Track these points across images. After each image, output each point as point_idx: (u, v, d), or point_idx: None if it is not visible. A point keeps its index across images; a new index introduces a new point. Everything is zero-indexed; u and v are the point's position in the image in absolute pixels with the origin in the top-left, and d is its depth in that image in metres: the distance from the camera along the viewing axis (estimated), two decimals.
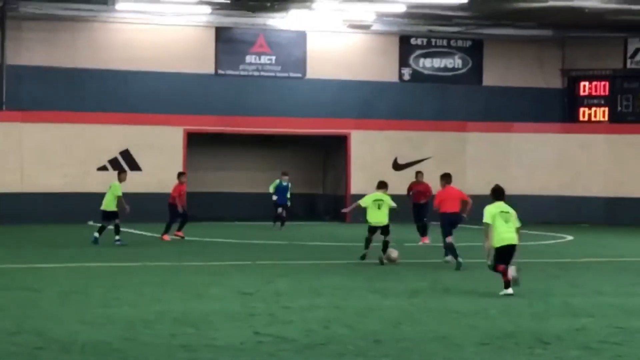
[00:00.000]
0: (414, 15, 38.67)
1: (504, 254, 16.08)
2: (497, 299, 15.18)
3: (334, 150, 41.35)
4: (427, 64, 41.65)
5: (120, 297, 14.98)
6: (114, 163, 36.64)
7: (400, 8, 36.73)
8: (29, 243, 26.60)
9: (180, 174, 29.70)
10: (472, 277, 18.64)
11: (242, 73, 39.43)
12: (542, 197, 40.51)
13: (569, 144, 41.10)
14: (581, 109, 42.17)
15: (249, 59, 39.48)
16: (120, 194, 26.20)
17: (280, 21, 39.01)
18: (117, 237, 25.74)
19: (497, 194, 16.83)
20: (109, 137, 36.72)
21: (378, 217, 21.58)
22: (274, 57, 39.67)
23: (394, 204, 21.87)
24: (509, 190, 42.79)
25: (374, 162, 39.03)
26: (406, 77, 41.48)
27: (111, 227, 26.06)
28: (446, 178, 22.96)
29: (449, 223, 21.99)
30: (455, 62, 41.96)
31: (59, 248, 24.90)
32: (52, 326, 12.04)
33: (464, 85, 41.91)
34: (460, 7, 35.73)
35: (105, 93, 37.53)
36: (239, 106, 38.86)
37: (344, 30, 39.70)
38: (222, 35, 39.16)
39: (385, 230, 21.59)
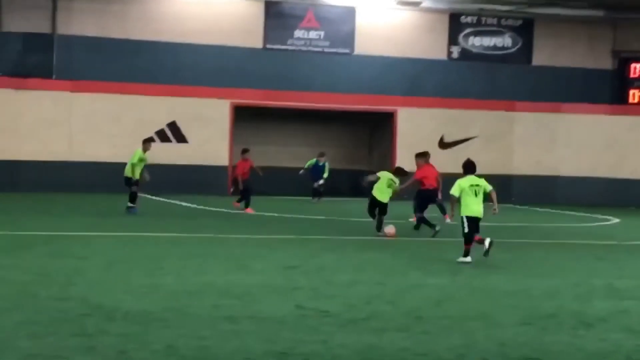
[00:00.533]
0: None
1: (472, 224, 17.32)
2: (540, 280, 15.12)
3: (380, 127, 41.29)
4: (477, 43, 41.42)
5: (164, 267, 15.09)
6: (161, 134, 36.88)
7: None
8: (76, 211, 26.86)
9: (245, 150, 30.04)
10: (516, 257, 18.58)
11: (290, 48, 39.45)
12: (590, 178, 40.26)
13: (617, 125, 40.76)
14: (631, 91, 41.78)
15: (298, 33, 39.48)
16: (136, 160, 26.32)
17: None
18: (129, 204, 25.93)
19: (468, 168, 17.71)
20: (157, 108, 36.95)
21: (377, 193, 22.16)
22: (322, 33, 39.65)
23: (396, 185, 22.16)
24: (556, 171, 42.92)
25: (420, 140, 38.93)
26: (455, 55, 41.28)
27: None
28: (426, 156, 24.03)
29: (428, 199, 23.44)
30: (505, 41, 41.69)
31: (105, 217, 25.12)
32: (97, 294, 12.17)
33: (513, 65, 41.66)
34: None
35: (155, 64, 37.73)
36: (286, 81, 38.91)
37: (394, 7, 39.57)
38: (271, 10, 39.18)
39: (380, 208, 22.06)
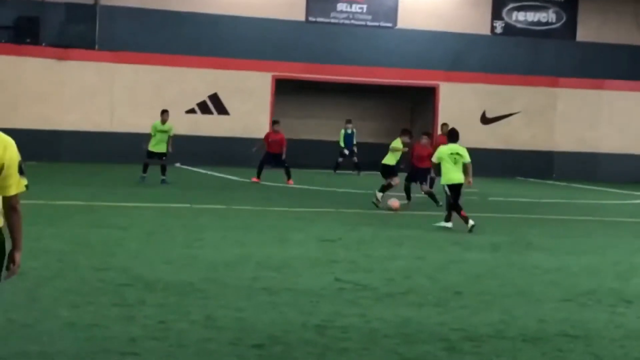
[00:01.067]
0: None
1: (453, 191, 18.15)
2: (580, 257, 15.04)
3: (422, 101, 41.11)
4: (520, 17, 41.09)
5: (203, 238, 15.16)
6: (202, 106, 36.97)
7: None
8: (117, 182, 27.01)
9: (275, 122, 30.12)
10: (556, 234, 18.48)
11: (333, 21, 39.34)
12: (633, 156, 39.91)
13: None
14: None
15: (340, 6, 39.35)
16: (153, 133, 26.76)
17: None
18: (161, 177, 26.40)
19: (451, 136, 18.79)
20: (199, 80, 36.99)
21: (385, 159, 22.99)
22: (365, 6, 39.49)
23: (398, 147, 22.79)
24: (598, 148, 42.51)
25: (462, 115, 38.75)
26: (498, 30, 40.99)
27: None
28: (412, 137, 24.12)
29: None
30: (549, 16, 41.32)
31: (145, 188, 25.24)
32: (136, 264, 12.25)
33: (557, 40, 41.30)
34: None
35: (197, 36, 37.77)
36: (328, 54, 38.82)
37: None
38: None
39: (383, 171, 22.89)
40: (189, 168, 33.64)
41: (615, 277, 13.12)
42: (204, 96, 37.26)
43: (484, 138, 38.44)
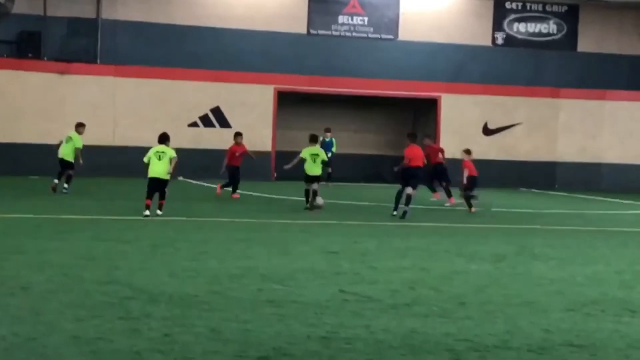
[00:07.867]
0: None
1: (152, 183, 21.34)
2: (584, 267, 15.02)
3: (424, 113, 41.15)
4: (521, 29, 41.16)
5: (207, 251, 15.16)
6: (204, 119, 36.99)
7: None
8: (121, 196, 27.02)
9: (237, 134, 29.49)
10: (560, 244, 18.46)
11: (334, 33, 39.42)
12: (635, 166, 39.93)
13: None
14: None
15: (342, 19, 39.44)
16: (81, 146, 27.14)
17: None
18: (65, 186, 26.49)
19: (161, 139, 22.12)
20: (201, 93, 37.05)
21: (313, 169, 24.30)
22: (366, 18, 39.58)
23: (326, 158, 24.89)
24: (600, 158, 42.47)
25: (464, 126, 38.83)
26: (499, 41, 41.06)
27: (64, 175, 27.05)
28: (411, 137, 24.44)
29: (413, 176, 23.46)
30: (550, 27, 41.39)
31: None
32: (140, 277, 12.24)
33: (558, 51, 41.37)
34: None
35: (199, 50, 37.85)
36: (329, 66, 38.89)
37: None
38: None
39: (316, 180, 24.29)
40: (192, 181, 33.64)
41: (619, 286, 13.11)
42: (206, 109, 37.31)
43: (486, 149, 38.44)
